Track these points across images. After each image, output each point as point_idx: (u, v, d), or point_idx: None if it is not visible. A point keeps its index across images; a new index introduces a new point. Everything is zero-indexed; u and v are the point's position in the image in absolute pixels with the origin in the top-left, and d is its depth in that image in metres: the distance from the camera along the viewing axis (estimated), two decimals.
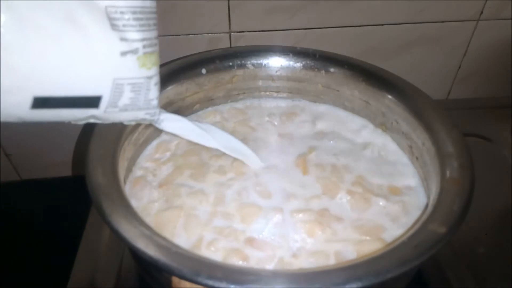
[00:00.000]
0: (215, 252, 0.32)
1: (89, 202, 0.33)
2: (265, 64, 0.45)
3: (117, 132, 0.35)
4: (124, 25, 0.27)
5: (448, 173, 0.32)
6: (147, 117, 0.32)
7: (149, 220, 0.34)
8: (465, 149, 0.34)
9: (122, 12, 0.26)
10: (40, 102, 0.26)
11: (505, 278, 0.39)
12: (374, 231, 0.34)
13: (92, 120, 0.30)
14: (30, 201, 0.58)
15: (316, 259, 0.32)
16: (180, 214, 0.35)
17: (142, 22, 0.27)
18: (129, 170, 0.39)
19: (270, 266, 0.31)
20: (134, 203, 0.36)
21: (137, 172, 0.39)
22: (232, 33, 0.50)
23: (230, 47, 0.51)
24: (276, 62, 0.45)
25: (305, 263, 0.31)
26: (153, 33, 0.29)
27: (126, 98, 0.29)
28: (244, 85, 0.46)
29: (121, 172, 0.34)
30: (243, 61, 0.45)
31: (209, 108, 0.46)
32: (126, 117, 0.31)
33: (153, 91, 0.31)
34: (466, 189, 0.31)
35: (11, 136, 0.55)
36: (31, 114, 0.26)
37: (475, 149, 0.35)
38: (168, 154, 0.41)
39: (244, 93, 0.47)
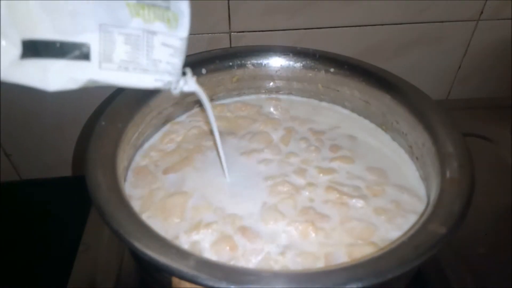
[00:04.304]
0: (208, 235, 0.33)
1: (89, 202, 0.33)
2: (265, 64, 0.45)
3: (117, 132, 0.35)
4: None
5: (448, 173, 0.32)
6: (159, 84, 0.29)
7: (155, 206, 0.35)
8: (465, 149, 0.34)
9: None
10: (29, 48, 0.24)
11: (505, 278, 0.39)
12: (366, 235, 0.34)
13: (91, 83, 0.26)
14: (30, 201, 0.58)
15: (303, 260, 0.31)
16: (185, 199, 0.35)
17: None
18: (132, 159, 0.39)
19: (255, 259, 0.31)
20: (139, 191, 0.37)
21: (142, 161, 0.40)
22: (232, 33, 0.50)
23: (230, 47, 0.51)
24: (276, 62, 0.45)
25: (291, 262, 0.31)
26: None
27: (121, 51, 0.26)
28: (244, 85, 0.46)
29: (122, 167, 0.34)
30: (243, 61, 0.45)
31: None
32: (130, 80, 0.27)
33: (159, 51, 0.27)
34: (466, 189, 0.31)
35: (11, 136, 0.55)
36: (21, 68, 0.24)
37: (475, 149, 0.35)
38: (172, 144, 0.42)
39: (244, 93, 0.47)
